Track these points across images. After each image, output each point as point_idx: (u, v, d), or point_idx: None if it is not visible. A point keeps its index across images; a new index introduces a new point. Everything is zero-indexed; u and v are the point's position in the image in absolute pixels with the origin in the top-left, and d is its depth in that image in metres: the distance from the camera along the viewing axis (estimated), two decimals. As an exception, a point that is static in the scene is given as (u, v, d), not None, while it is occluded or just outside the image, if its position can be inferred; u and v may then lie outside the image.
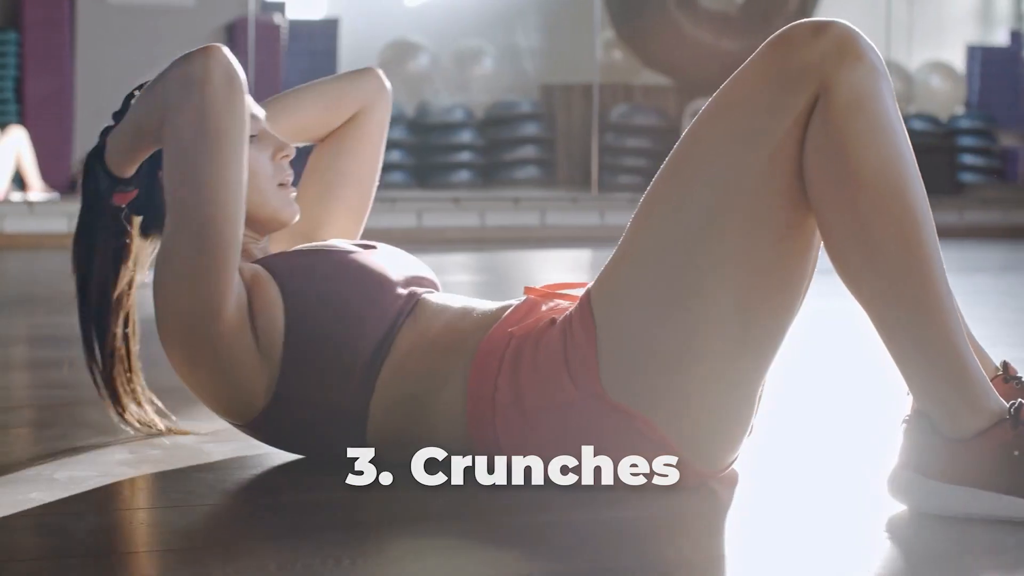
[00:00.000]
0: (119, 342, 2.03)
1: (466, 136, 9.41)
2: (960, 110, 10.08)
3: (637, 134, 9.56)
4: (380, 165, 2.23)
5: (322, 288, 1.87)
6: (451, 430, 1.84)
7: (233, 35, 8.44)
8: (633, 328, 1.73)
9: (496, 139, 9.52)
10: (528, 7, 10.40)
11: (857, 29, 1.70)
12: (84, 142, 8.20)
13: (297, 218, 2.02)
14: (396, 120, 9.38)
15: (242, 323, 1.85)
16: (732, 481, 1.84)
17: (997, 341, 1.99)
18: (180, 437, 2.10)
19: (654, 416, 1.73)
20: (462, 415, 1.82)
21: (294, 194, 2.02)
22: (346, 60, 9.55)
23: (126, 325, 2.03)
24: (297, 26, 9.28)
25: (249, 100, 1.88)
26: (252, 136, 1.95)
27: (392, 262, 1.96)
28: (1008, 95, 9.57)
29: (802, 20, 1.72)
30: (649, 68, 10.07)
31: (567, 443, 1.77)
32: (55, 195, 7.72)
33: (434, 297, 1.93)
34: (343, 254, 1.92)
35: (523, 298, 1.89)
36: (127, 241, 2.00)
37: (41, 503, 1.75)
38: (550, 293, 1.90)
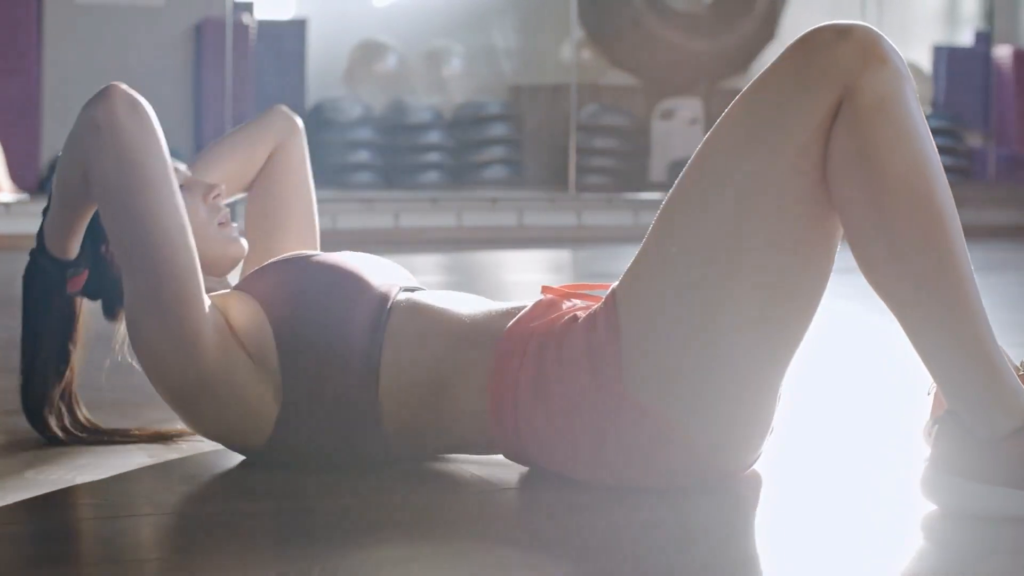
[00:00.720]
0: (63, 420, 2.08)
1: (435, 137, 9.40)
2: (927, 110, 10.15)
3: (605, 134, 9.57)
4: (313, 193, 2.28)
5: (298, 285, 1.90)
6: (472, 424, 1.84)
7: (202, 35, 8.40)
8: (658, 328, 1.73)
9: (465, 140, 9.51)
10: (498, 7, 10.40)
11: (880, 32, 1.71)
12: (52, 142, 8.14)
13: (246, 250, 2.05)
14: (366, 121, 9.36)
15: (226, 344, 1.86)
16: (755, 481, 1.84)
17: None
18: (188, 437, 2.10)
19: (677, 415, 1.73)
20: (483, 410, 1.83)
21: (236, 227, 2.05)
22: (315, 60, 9.52)
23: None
24: (265, 27, 9.24)
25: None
26: (180, 186, 1.96)
27: (362, 259, 1.99)
28: (974, 95, 9.63)
29: (825, 23, 1.73)
30: (617, 68, 10.08)
31: (589, 441, 1.77)
32: (24, 196, 7.67)
33: (425, 290, 1.96)
34: (310, 255, 1.96)
35: (540, 297, 1.90)
36: (75, 331, 2.05)
37: (64, 507, 1.75)
38: (569, 293, 1.90)
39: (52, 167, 1.82)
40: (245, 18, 8.72)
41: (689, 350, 1.72)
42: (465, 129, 9.54)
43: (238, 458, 1.99)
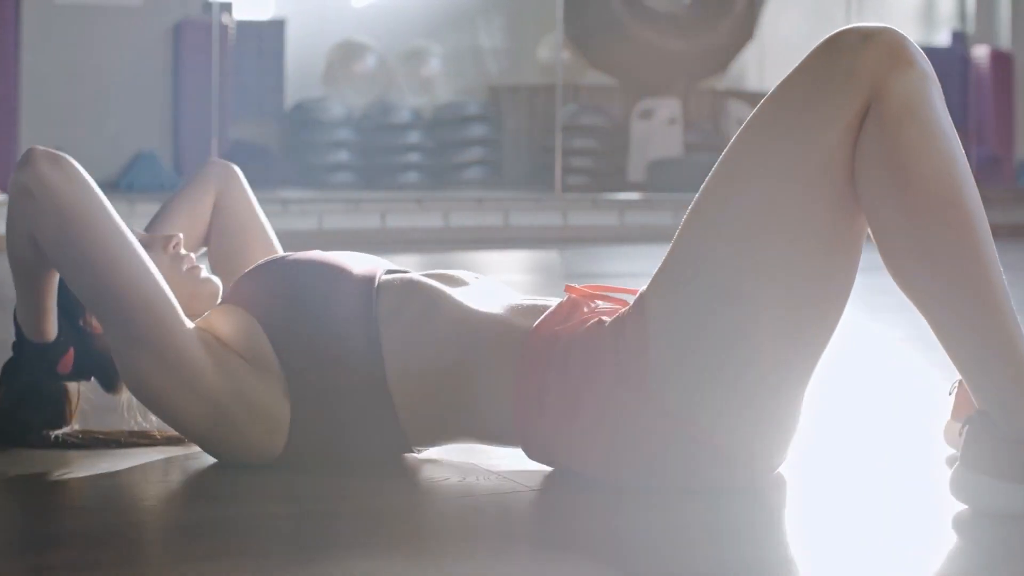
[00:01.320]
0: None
1: (414, 137, 9.39)
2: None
3: (585, 134, 9.58)
4: (267, 224, 2.32)
5: (282, 283, 1.92)
6: (494, 418, 1.85)
7: (180, 35, 8.37)
8: (686, 333, 1.73)
9: (445, 140, 9.51)
10: (477, 8, 10.40)
11: (905, 34, 1.71)
12: (30, 142, 8.10)
13: (220, 285, 2.06)
14: (345, 121, 9.34)
15: (220, 358, 1.87)
16: (779, 483, 1.85)
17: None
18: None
19: (705, 419, 1.73)
20: (507, 407, 1.83)
21: (204, 267, 2.07)
22: (293, 61, 9.50)
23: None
24: (244, 27, 9.22)
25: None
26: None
27: (337, 252, 2.01)
28: (952, 96, 9.67)
29: (850, 26, 1.72)
30: (596, 68, 10.09)
31: (616, 445, 1.77)
32: (3, 196, 7.64)
33: (411, 273, 1.97)
34: (284, 256, 1.99)
35: (564, 297, 1.90)
36: (68, 413, 2.07)
37: (77, 511, 1.74)
38: (592, 294, 1.91)
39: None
40: (224, 18, 8.70)
41: (717, 355, 1.72)
42: (445, 130, 9.54)
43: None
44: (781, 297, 1.71)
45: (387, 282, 1.93)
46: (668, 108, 9.45)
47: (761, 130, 1.73)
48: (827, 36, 1.73)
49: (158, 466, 1.97)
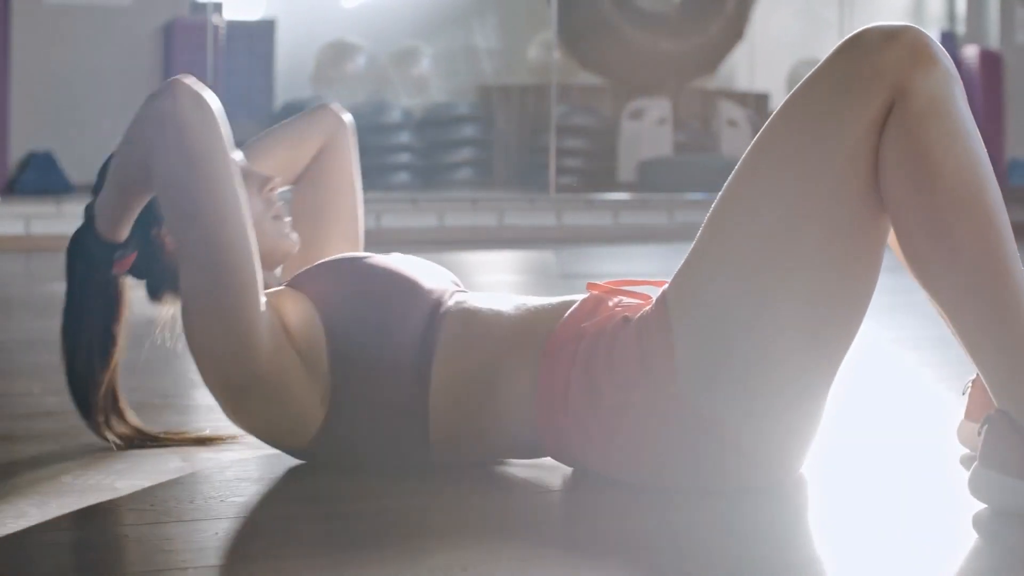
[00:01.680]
0: (107, 400, 2.03)
1: (404, 138, 9.38)
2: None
3: (575, 135, 9.58)
4: (359, 193, 2.26)
5: (352, 289, 1.89)
6: (519, 426, 1.84)
7: (170, 35, 8.35)
8: (710, 332, 1.73)
9: (435, 141, 9.50)
10: (467, 8, 10.39)
11: (927, 33, 1.72)
12: (20, 143, 8.08)
13: (297, 246, 2.04)
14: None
15: (280, 345, 1.84)
16: (800, 482, 1.85)
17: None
18: (229, 442, 2.09)
19: (729, 418, 1.73)
20: (531, 410, 1.82)
21: (289, 221, 2.04)
22: (283, 61, 9.48)
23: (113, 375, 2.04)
24: (234, 27, 9.20)
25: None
26: None
27: (414, 263, 1.98)
28: (941, 96, 9.69)
29: (872, 25, 1.73)
30: (586, 69, 10.09)
31: (641, 442, 1.77)
32: (-5, 197, 7.61)
33: (472, 293, 1.96)
34: (363, 257, 1.95)
35: (587, 294, 1.90)
36: (120, 312, 2.01)
37: (106, 514, 1.73)
38: (614, 290, 1.91)
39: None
40: (214, 18, 8.68)
41: (742, 354, 1.72)
42: (436, 130, 9.53)
43: (277, 463, 1.98)
44: (805, 297, 1.71)
45: (449, 309, 1.91)
46: (658, 108, 9.45)
47: (784, 130, 1.73)
48: (848, 36, 1.73)
49: (175, 468, 1.96)
